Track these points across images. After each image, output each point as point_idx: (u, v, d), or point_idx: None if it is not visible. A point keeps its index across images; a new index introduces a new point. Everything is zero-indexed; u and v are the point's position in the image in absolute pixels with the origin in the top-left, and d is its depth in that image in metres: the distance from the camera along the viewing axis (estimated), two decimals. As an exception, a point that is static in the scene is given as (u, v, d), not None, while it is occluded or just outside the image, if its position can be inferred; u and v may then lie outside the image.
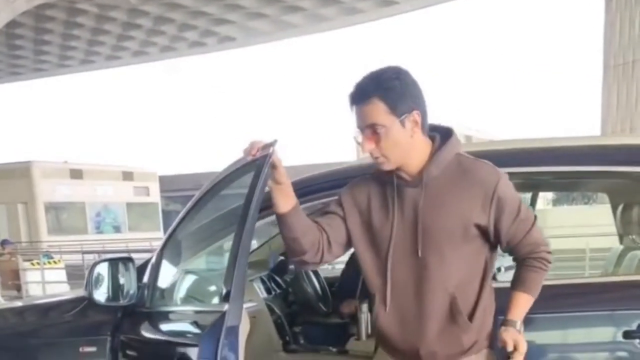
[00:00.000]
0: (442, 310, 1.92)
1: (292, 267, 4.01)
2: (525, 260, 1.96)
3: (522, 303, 1.95)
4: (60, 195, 23.52)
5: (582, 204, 18.97)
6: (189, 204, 2.70)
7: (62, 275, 12.60)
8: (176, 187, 29.56)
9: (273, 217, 3.21)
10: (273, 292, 4.01)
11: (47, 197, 23.16)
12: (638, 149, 2.62)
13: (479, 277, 1.95)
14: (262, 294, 3.83)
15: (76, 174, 24.09)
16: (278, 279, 4.15)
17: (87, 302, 2.90)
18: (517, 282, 1.97)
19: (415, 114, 1.88)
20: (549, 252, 1.97)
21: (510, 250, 1.98)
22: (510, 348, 1.85)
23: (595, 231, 7.85)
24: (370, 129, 1.88)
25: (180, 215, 2.72)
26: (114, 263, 2.74)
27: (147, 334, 2.66)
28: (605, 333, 2.31)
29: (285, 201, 1.96)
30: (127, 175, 25.90)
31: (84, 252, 13.70)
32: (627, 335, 2.25)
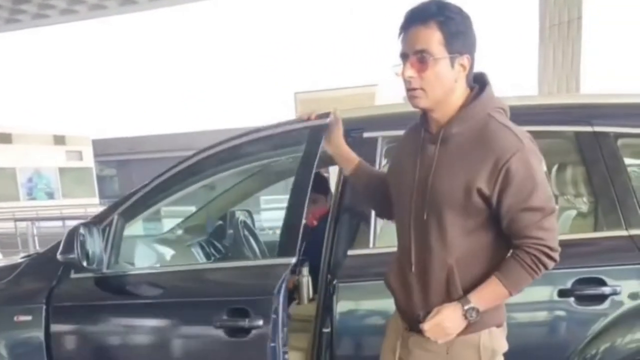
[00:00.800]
0: (440, 282, 1.79)
1: (230, 232, 3.95)
2: (517, 249, 1.75)
3: (489, 288, 1.75)
4: (-11, 160, 22.71)
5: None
6: (181, 166, 2.73)
7: (-7, 243, 12.21)
8: (111, 152, 28.93)
9: (208, 181, 3.21)
10: (212, 258, 3.95)
11: (-25, 163, 22.36)
12: (572, 108, 2.65)
13: (483, 259, 1.78)
14: (201, 259, 3.77)
15: (5, 138, 23.26)
16: (217, 244, 4.08)
17: (22, 269, 2.85)
18: (497, 267, 1.77)
19: (466, 58, 1.76)
20: (552, 258, 1.76)
21: (509, 237, 1.78)
22: (429, 316, 1.77)
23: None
24: (417, 56, 1.72)
25: (166, 175, 2.74)
26: (87, 227, 2.68)
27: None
28: (542, 292, 2.34)
29: (347, 164, 2.12)
30: (59, 139, 25.17)
31: (16, 220, 13.28)
32: (563, 293, 2.32)
